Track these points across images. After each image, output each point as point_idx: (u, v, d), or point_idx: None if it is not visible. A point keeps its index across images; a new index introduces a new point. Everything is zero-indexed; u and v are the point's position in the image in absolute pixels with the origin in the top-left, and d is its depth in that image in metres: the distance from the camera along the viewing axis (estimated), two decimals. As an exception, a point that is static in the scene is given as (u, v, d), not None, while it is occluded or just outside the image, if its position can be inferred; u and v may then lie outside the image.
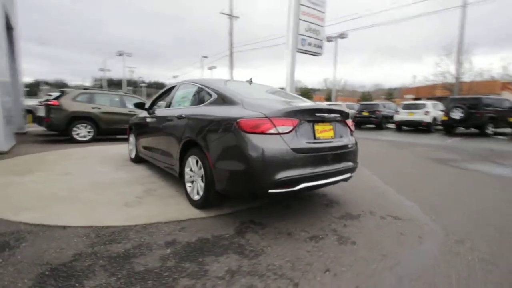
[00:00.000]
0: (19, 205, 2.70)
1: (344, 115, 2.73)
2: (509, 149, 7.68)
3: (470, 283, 1.66)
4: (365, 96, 51.53)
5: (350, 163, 2.71)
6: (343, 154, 2.61)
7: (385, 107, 15.97)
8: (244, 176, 2.18)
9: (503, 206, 3.09)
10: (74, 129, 7.20)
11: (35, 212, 2.54)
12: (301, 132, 2.31)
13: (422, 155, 6.57)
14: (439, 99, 18.13)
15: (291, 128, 2.23)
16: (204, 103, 2.82)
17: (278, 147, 2.15)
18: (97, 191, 3.22)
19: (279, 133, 2.18)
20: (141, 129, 4.43)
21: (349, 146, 2.71)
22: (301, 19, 14.45)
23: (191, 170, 2.84)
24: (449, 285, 1.63)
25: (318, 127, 2.45)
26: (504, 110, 11.62)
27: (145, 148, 4.24)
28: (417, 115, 13.33)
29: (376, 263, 1.85)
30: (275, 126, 2.17)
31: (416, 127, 13.92)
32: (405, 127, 14.38)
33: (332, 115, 2.55)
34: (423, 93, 32.46)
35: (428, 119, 13.00)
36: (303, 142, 2.28)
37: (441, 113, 13.02)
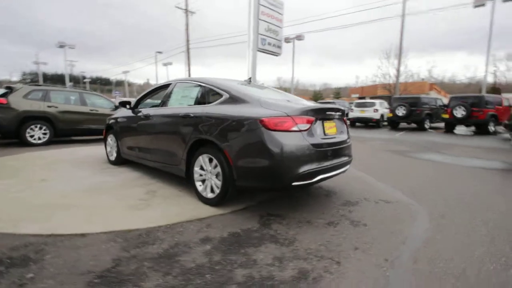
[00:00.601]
0: (13, 217, 2.43)
1: (342, 113, 3.05)
2: (446, 141, 9.12)
3: (460, 240, 2.09)
4: (317, 95, 54.73)
5: (349, 157, 3.05)
6: (344, 149, 2.93)
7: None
8: (270, 171, 2.33)
9: (463, 187, 3.78)
10: (28, 131, 6.36)
11: (38, 222, 2.32)
12: (315, 129, 2.55)
13: (381, 148, 7.45)
14: (381, 98, 20.31)
15: (309, 125, 2.45)
16: (214, 103, 2.86)
17: (300, 143, 2.35)
18: (92, 196, 3.02)
19: (300, 130, 2.38)
20: (125, 129, 4.20)
21: (347, 141, 3.05)
22: (261, 19, 14.80)
23: (201, 169, 2.87)
24: (449, 246, 2.04)
25: (326, 124, 2.72)
26: (437, 108, 13.64)
27: (132, 148, 4.05)
28: (368, 113, 14.84)
29: (390, 239, 2.19)
30: (296, 124, 2.37)
31: (367, 123, 15.48)
32: (358, 123, 15.87)
33: (336, 113, 2.85)
34: (367, 92, 35.84)
35: (377, 116, 14.59)
36: (318, 138, 2.52)
37: (387, 110, 14.71)
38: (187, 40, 27.11)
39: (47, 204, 2.74)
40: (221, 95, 2.86)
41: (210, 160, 2.76)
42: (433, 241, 2.17)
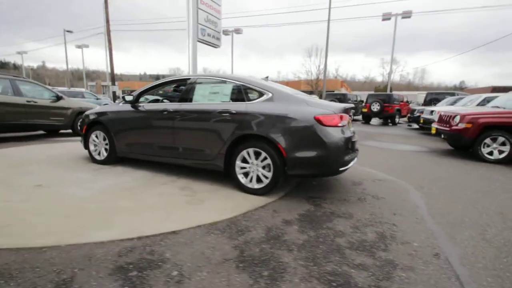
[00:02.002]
0: (70, 227, 2.19)
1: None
2: (374, 131, 11.24)
3: (443, 198, 3.06)
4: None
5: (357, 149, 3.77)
6: (355, 142, 3.62)
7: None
8: (324, 160, 2.80)
9: (412, 165, 5.05)
10: None
11: (109, 229, 2.18)
12: (347, 125, 3.13)
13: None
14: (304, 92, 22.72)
15: (346, 121, 3.01)
16: (257, 100, 3.10)
17: (343, 135, 2.89)
18: (130, 198, 2.87)
19: (342, 126, 2.92)
20: (126, 125, 3.88)
21: (356, 135, 3.76)
22: (200, 9, 14.63)
23: (243, 162, 3.09)
24: (441, 203, 2.96)
25: (349, 120, 3.34)
26: (357, 102, 16.30)
27: (137, 145, 3.82)
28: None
29: (407, 205, 2.98)
30: (341, 120, 2.89)
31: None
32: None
33: (352, 111, 3.49)
34: (291, 87, 39.08)
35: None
36: (349, 132, 3.11)
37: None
38: (107, 21, 23.78)
39: (84, 210, 2.50)
40: (262, 94, 3.12)
41: (256, 154, 3.02)
42: (431, 202, 3.08)
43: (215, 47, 16.50)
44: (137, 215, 2.45)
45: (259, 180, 3.06)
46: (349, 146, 3.01)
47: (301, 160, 2.85)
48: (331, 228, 2.36)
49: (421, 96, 30.50)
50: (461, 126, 5.43)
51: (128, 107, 3.90)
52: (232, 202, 2.86)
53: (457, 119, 5.55)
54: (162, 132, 3.60)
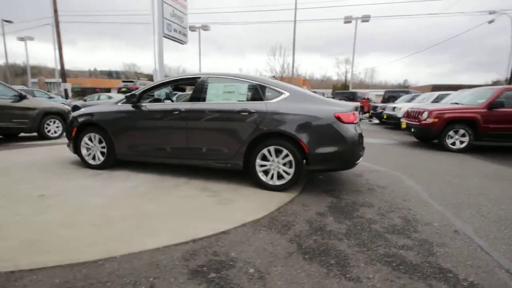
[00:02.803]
0: (108, 238, 2.07)
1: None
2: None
3: (435, 184, 3.51)
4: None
5: None
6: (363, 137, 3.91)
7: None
8: (344, 155, 3.01)
9: (394, 156, 5.59)
10: None
11: (155, 235, 2.10)
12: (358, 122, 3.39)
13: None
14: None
15: (358, 119, 3.26)
16: (275, 100, 3.18)
17: (358, 132, 3.14)
18: (155, 202, 2.76)
19: (356, 123, 3.16)
20: (128, 126, 3.65)
21: None
22: (165, 2, 14.17)
23: (263, 159, 3.17)
24: (436, 187, 3.39)
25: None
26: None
27: (142, 147, 3.63)
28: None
29: (410, 192, 3.35)
30: (356, 117, 3.13)
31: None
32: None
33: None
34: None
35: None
36: (359, 129, 3.38)
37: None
38: (55, 11, 21.33)
39: (115, 218, 2.36)
40: (280, 93, 3.22)
41: (277, 151, 3.12)
42: (426, 188, 3.50)
43: (181, 44, 16.02)
44: (175, 219, 2.39)
45: (279, 176, 3.17)
46: (360, 141, 3.27)
47: (323, 156, 3.03)
48: (362, 217, 2.58)
49: (371, 93, 33.48)
50: (429, 120, 6.17)
51: (128, 107, 3.67)
52: (259, 199, 2.92)
53: (425, 114, 6.29)
54: (172, 132, 3.47)
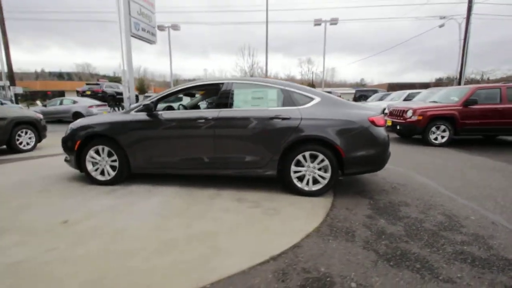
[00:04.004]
0: (182, 265, 1.90)
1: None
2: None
3: (444, 177, 3.81)
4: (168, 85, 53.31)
5: None
6: None
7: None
8: (377, 157, 3.11)
9: (407, 156, 5.92)
10: None
11: (229, 256, 1.96)
12: (385, 123, 3.53)
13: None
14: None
15: (385, 122, 3.40)
16: (308, 105, 3.16)
17: (386, 134, 3.27)
18: (204, 219, 2.57)
19: (385, 125, 3.29)
20: (146, 136, 3.35)
21: None
22: (131, 0, 13.38)
23: (297, 165, 3.14)
24: (448, 181, 3.68)
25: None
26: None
27: (167, 158, 3.37)
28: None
29: (428, 187, 3.59)
30: (385, 120, 3.25)
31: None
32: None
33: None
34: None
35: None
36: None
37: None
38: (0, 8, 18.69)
39: (173, 241, 2.16)
40: (311, 98, 3.21)
41: (312, 157, 3.11)
42: (439, 183, 3.78)
43: (150, 43, 15.17)
44: (234, 235, 2.26)
45: (314, 181, 3.17)
46: (389, 142, 3.42)
47: (359, 159, 3.09)
48: (408, 216, 2.69)
49: (335, 91, 35.44)
50: (414, 118, 6.68)
51: (144, 116, 3.37)
52: (301, 207, 2.89)
53: (410, 113, 6.79)
54: (198, 142, 3.27)
